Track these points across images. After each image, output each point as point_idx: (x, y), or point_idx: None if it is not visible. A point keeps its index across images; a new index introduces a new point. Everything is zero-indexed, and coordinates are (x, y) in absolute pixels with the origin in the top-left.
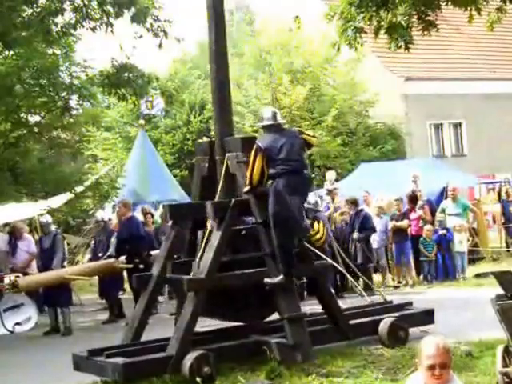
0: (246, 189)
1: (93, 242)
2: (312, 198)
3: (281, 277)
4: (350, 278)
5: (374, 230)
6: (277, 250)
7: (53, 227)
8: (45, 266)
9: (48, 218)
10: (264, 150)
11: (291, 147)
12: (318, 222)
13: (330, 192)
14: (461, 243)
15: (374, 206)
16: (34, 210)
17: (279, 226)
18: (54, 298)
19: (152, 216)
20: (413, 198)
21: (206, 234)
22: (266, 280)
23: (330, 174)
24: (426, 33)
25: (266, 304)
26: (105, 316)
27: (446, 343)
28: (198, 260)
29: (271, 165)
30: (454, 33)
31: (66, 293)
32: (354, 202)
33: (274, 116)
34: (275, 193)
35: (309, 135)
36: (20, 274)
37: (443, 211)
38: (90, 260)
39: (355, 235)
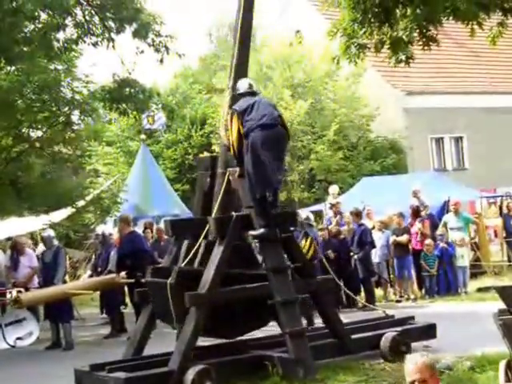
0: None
1: (93, 256)
2: (304, 212)
3: (262, 230)
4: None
5: (372, 244)
6: (253, 202)
7: (55, 241)
8: (45, 281)
9: (50, 232)
10: (238, 111)
11: (262, 104)
12: (307, 239)
13: (332, 206)
14: (462, 257)
15: (375, 221)
16: (36, 225)
17: (252, 178)
18: (55, 313)
19: (151, 231)
20: (415, 212)
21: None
22: (250, 232)
23: (334, 188)
24: (426, 48)
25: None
26: (106, 331)
27: (427, 359)
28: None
29: (245, 123)
30: (455, 47)
31: (67, 308)
32: (357, 214)
33: (250, 86)
34: (249, 147)
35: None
36: (22, 289)
37: (445, 225)
38: (91, 275)
39: (355, 256)
